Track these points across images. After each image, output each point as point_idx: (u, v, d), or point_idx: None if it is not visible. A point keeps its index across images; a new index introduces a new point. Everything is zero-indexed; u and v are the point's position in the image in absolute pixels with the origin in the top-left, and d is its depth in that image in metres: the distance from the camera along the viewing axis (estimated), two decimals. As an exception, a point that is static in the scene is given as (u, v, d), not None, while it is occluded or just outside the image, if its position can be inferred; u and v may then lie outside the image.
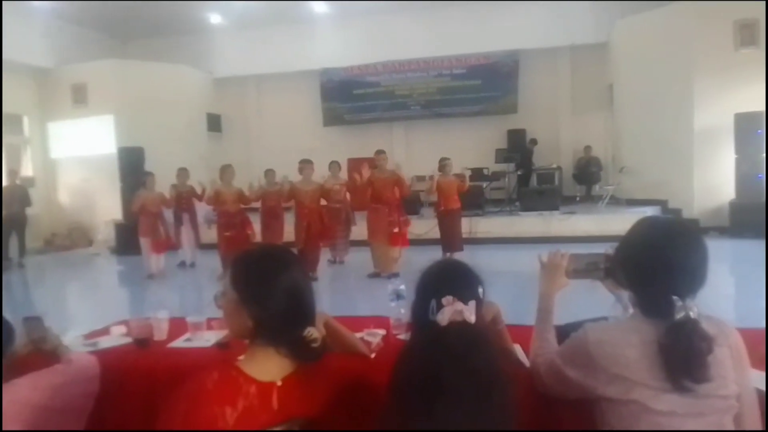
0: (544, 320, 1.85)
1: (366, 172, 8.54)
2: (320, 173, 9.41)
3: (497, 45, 15.27)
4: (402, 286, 2.42)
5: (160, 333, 2.48)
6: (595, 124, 15.21)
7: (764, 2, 10.28)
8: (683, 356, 1.39)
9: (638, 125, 12.91)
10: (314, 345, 1.51)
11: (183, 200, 10.30)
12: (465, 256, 8.26)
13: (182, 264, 10.63)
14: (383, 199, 8.49)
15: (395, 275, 7.96)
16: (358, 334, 2.16)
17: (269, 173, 9.70)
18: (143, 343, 2.39)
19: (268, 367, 1.45)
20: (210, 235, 9.90)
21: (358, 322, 2.35)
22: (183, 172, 10.47)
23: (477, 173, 13.76)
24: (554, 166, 14.84)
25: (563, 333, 1.79)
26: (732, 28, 11.30)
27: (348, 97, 16.74)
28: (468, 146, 15.26)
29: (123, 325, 2.60)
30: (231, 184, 8.89)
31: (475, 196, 11.86)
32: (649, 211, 10.64)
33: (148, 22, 15.78)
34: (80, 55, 14.87)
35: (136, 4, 14.06)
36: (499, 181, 14.38)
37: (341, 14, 15.71)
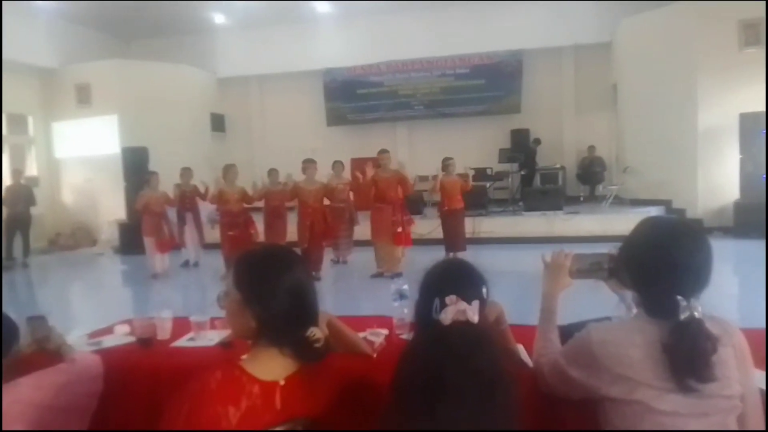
0: (547, 320, 1.85)
1: (369, 172, 8.54)
2: (323, 173, 9.42)
3: (500, 45, 15.25)
4: (405, 286, 2.42)
5: (164, 332, 2.48)
6: (599, 124, 15.19)
7: (766, 2, 10.25)
8: (688, 356, 1.39)
9: (642, 125, 12.88)
10: (317, 345, 1.51)
11: (186, 200, 10.32)
12: (468, 255, 8.26)
13: (186, 263, 10.64)
14: (387, 198, 8.48)
15: (398, 275, 7.96)
16: (361, 334, 2.16)
17: (272, 173, 9.73)
18: (147, 343, 2.40)
19: (271, 366, 1.45)
20: (213, 234, 9.90)
21: (361, 322, 2.36)
22: (186, 172, 10.49)
23: (480, 173, 13.75)
24: (558, 166, 14.80)
25: (566, 333, 1.79)
26: (736, 27, 11.26)
27: (351, 97, 16.73)
28: (471, 146, 15.24)
29: (126, 324, 2.61)
30: (234, 183, 8.90)
31: (478, 195, 11.85)
32: (653, 211, 10.64)
33: (151, 22, 15.80)
34: (84, 55, 14.90)
35: (139, 4, 14.08)
36: (503, 180, 14.35)
37: (344, 14, 15.71)
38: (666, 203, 12.08)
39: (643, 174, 12.72)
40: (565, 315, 1.89)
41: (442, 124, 16.23)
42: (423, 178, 13.26)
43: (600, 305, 1.93)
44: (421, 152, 15.63)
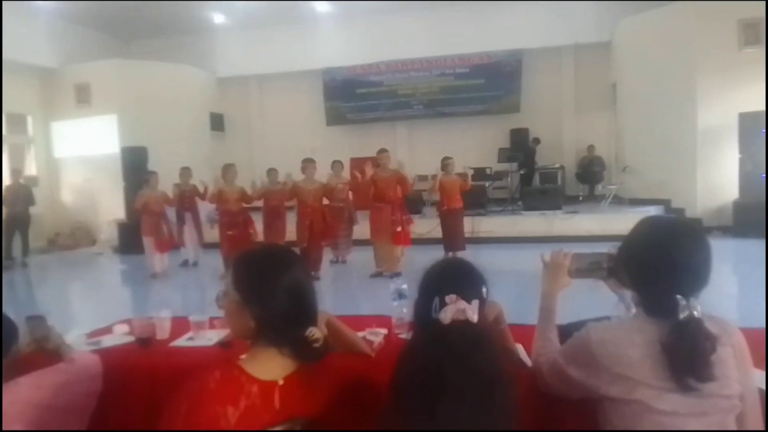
0: (546, 320, 1.85)
1: (369, 171, 8.54)
2: (323, 172, 9.42)
3: (500, 44, 15.25)
4: (404, 286, 2.42)
5: (163, 332, 2.49)
6: (598, 124, 15.20)
7: (766, 2, 10.25)
8: (687, 355, 1.39)
9: (641, 124, 12.89)
10: (316, 345, 1.51)
11: (186, 199, 10.32)
12: (467, 255, 8.26)
13: (185, 263, 10.64)
14: (386, 198, 8.48)
15: (397, 274, 7.97)
16: (360, 334, 2.16)
17: (272, 172, 9.72)
18: (146, 342, 2.40)
19: (270, 366, 1.45)
20: (213, 234, 9.90)
21: (360, 322, 2.35)
22: (186, 171, 10.48)
23: (480, 172, 13.75)
24: (557, 165, 14.82)
25: (566, 332, 1.79)
26: (735, 27, 11.27)
27: (351, 97, 16.74)
28: (471, 145, 15.24)
29: (126, 324, 2.61)
30: (233, 183, 8.90)
31: (477, 195, 11.86)
32: (652, 211, 10.63)
33: (151, 21, 15.79)
34: (84, 55, 14.90)
35: (139, 3, 14.08)
36: (502, 180, 14.36)
37: (344, 14, 15.71)
38: (665, 203, 12.09)
39: (643, 173, 12.73)
40: (565, 314, 1.89)
41: (441, 123, 16.23)
42: (422, 178, 13.26)
43: (599, 305, 1.93)
44: (420, 152, 15.64)
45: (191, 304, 8.35)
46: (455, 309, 1.45)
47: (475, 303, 1.48)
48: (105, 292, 9.74)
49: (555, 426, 1.75)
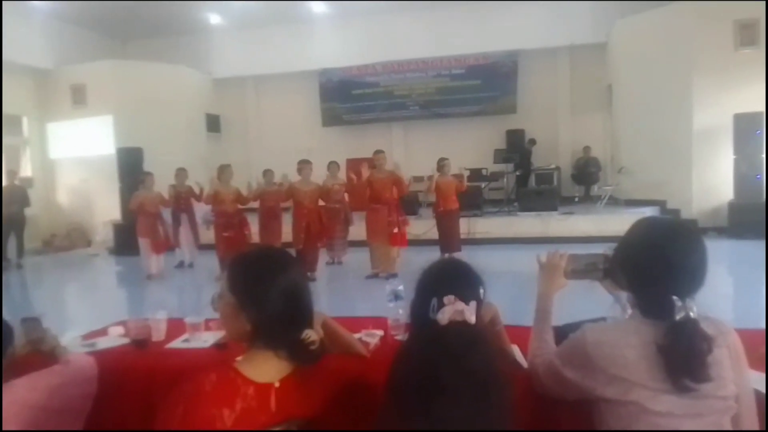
0: (542, 321, 1.85)
1: (365, 172, 8.54)
2: (319, 174, 9.41)
3: (496, 45, 15.27)
4: (400, 287, 2.42)
5: (159, 334, 2.48)
6: (594, 125, 15.22)
7: (764, 2, 10.29)
8: (684, 356, 1.39)
9: (637, 125, 12.91)
10: (312, 348, 1.51)
11: (181, 200, 10.28)
12: (463, 256, 8.19)
13: (180, 264, 10.62)
14: (382, 199, 8.48)
15: (394, 275, 7.97)
16: (357, 335, 2.15)
17: (268, 173, 9.71)
18: (141, 344, 2.39)
19: (266, 368, 1.45)
20: (208, 235, 9.88)
21: (357, 323, 2.35)
22: (181, 173, 10.45)
23: (475, 173, 13.77)
24: (553, 166, 14.84)
25: (562, 334, 1.80)
26: (732, 28, 11.29)
27: (347, 98, 16.73)
28: (467, 146, 15.26)
29: (121, 325, 2.60)
30: (229, 184, 8.89)
31: (473, 196, 11.87)
32: (648, 212, 10.65)
33: (147, 22, 15.77)
34: (79, 56, 14.87)
35: (135, 4, 14.06)
36: (498, 181, 14.36)
37: (340, 14, 15.71)
38: (661, 204, 12.11)
39: (638, 174, 12.74)
40: (560, 316, 1.90)
41: (437, 124, 16.24)
42: (418, 179, 13.21)
43: (595, 306, 1.93)
44: (416, 153, 15.64)
45: (187, 305, 8.33)
46: (453, 310, 1.45)
47: (473, 304, 1.48)
48: (100, 293, 9.72)
49: (551, 427, 1.75)
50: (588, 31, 14.53)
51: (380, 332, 2.32)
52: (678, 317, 1.42)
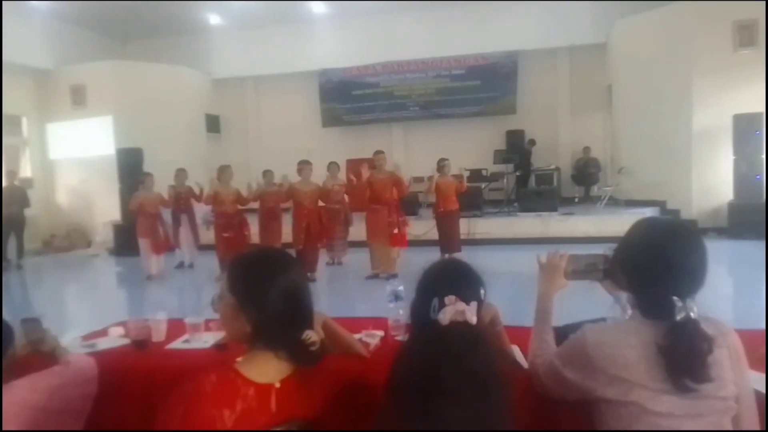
0: (542, 321, 1.85)
1: (365, 173, 8.54)
2: (319, 174, 9.41)
3: (496, 46, 15.28)
4: (400, 287, 2.42)
5: (159, 334, 2.48)
6: (594, 125, 15.23)
7: (764, 3, 10.29)
8: (684, 356, 1.39)
9: (637, 126, 12.91)
10: (313, 349, 1.51)
11: (181, 201, 10.28)
12: (463, 257, 8.13)
13: (180, 265, 10.62)
14: (382, 199, 8.48)
15: (394, 276, 7.97)
16: (357, 336, 2.15)
17: (267, 174, 9.70)
18: (141, 345, 2.39)
19: (266, 369, 1.44)
20: (208, 236, 9.88)
21: (357, 323, 2.35)
22: (181, 173, 10.43)
23: (475, 174, 13.78)
24: (553, 166, 14.84)
25: (562, 334, 1.79)
26: (731, 28, 11.30)
27: (347, 98, 16.73)
28: (466, 147, 15.26)
29: (121, 326, 2.60)
30: (229, 184, 8.89)
31: (473, 196, 11.87)
32: (648, 212, 10.65)
33: (147, 22, 15.78)
34: (79, 56, 14.87)
35: (134, 4, 14.07)
36: (498, 181, 14.37)
37: (340, 15, 15.72)
38: (661, 204, 12.12)
39: (638, 175, 12.75)
40: (561, 316, 1.90)
41: (437, 125, 16.24)
42: (418, 179, 13.22)
43: (595, 306, 1.93)
44: (416, 153, 15.64)
45: (187, 306, 8.34)
46: (454, 310, 1.45)
47: (474, 304, 1.48)
48: (100, 294, 9.72)
49: (551, 427, 1.75)
50: (588, 32, 14.54)
51: (380, 333, 2.32)
52: (678, 318, 1.42)
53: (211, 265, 9.28)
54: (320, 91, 16.91)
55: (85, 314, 7.92)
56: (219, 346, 2.31)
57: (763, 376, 1.69)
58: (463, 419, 1.33)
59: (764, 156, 10.63)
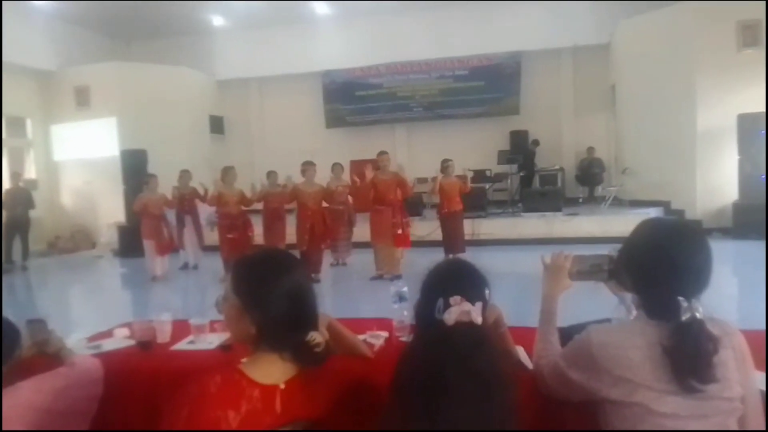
0: (547, 322, 1.84)
1: (369, 174, 8.54)
2: (323, 175, 9.41)
3: (499, 46, 15.27)
4: (404, 288, 2.42)
5: (163, 335, 2.49)
6: (598, 125, 15.21)
7: (766, 3, 10.27)
8: (690, 357, 1.39)
9: (641, 126, 12.89)
10: (317, 350, 1.51)
11: (185, 202, 10.29)
12: (467, 257, 8.19)
13: (185, 266, 10.64)
14: (386, 200, 8.48)
15: (398, 277, 7.97)
16: (361, 336, 2.16)
17: (271, 175, 9.72)
18: (146, 346, 2.39)
19: (271, 371, 1.44)
20: (212, 237, 9.90)
21: (361, 324, 2.35)
22: (185, 174, 10.45)
23: (479, 175, 13.77)
24: (557, 167, 14.82)
25: (567, 335, 1.79)
26: (734, 28, 11.28)
27: (350, 99, 16.76)
28: (470, 148, 15.26)
29: (126, 327, 2.61)
30: (233, 185, 8.90)
31: (477, 197, 11.86)
32: (652, 212, 10.65)
33: (150, 23, 15.82)
34: (83, 57, 14.92)
35: (138, 5, 14.10)
36: (502, 182, 14.37)
37: (343, 16, 15.74)
38: (665, 204, 12.09)
39: (642, 175, 12.73)
40: (565, 317, 1.89)
41: (440, 125, 16.24)
42: (422, 180, 13.25)
43: (600, 307, 1.93)
44: (420, 154, 15.65)
45: (192, 307, 8.35)
46: (459, 310, 1.45)
47: (479, 305, 1.48)
48: (105, 295, 9.73)
49: (556, 428, 1.75)
50: (591, 32, 14.52)
51: (385, 334, 2.32)
52: (683, 318, 1.41)
53: (215, 266, 9.29)
54: (324, 92, 16.93)
55: (90, 315, 7.93)
56: (224, 347, 2.32)
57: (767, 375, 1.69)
58: (468, 420, 1.32)
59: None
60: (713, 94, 11.36)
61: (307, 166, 8.76)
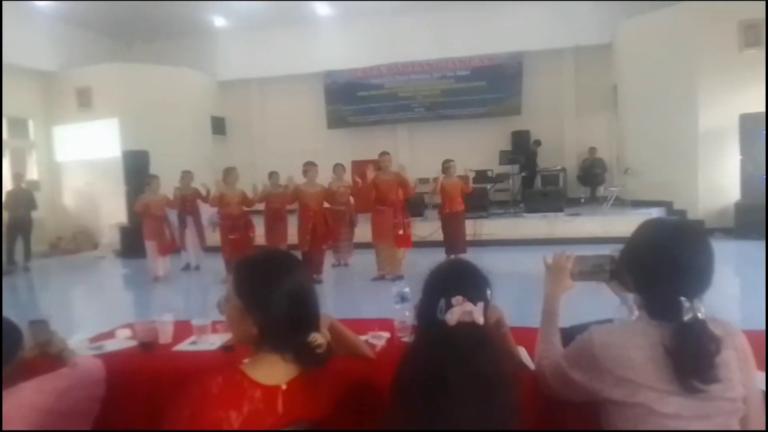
0: (549, 322, 1.84)
1: (370, 174, 8.54)
2: (324, 176, 9.41)
3: (501, 47, 15.27)
4: (406, 289, 2.42)
5: (165, 336, 2.48)
6: (600, 126, 15.21)
7: (767, 3, 10.25)
8: (692, 357, 1.39)
9: (643, 126, 12.88)
10: (319, 351, 1.51)
11: (187, 203, 10.30)
12: (469, 258, 8.16)
13: (187, 267, 10.64)
14: (388, 201, 8.47)
15: (400, 277, 7.97)
16: (363, 337, 2.15)
17: (273, 176, 9.73)
18: (148, 347, 2.39)
19: (272, 371, 1.44)
20: (214, 237, 9.90)
21: (363, 325, 2.35)
22: (187, 175, 10.47)
23: (481, 175, 13.76)
24: (558, 167, 14.82)
25: (568, 335, 1.79)
26: (736, 28, 11.27)
27: (352, 100, 16.76)
28: (472, 148, 15.25)
29: (128, 328, 2.61)
30: (235, 186, 8.90)
31: (479, 197, 11.87)
32: (654, 213, 10.64)
33: (152, 24, 15.83)
34: (85, 59, 14.94)
35: (140, 6, 14.11)
36: (504, 182, 14.37)
37: (345, 16, 15.75)
38: (667, 204, 12.07)
39: (644, 175, 12.72)
40: (567, 317, 1.89)
41: (442, 126, 16.24)
42: (423, 181, 13.26)
43: (602, 307, 1.92)
44: (421, 154, 15.64)
45: (193, 307, 8.36)
46: (461, 311, 1.45)
47: (481, 305, 1.48)
48: (107, 296, 9.73)
49: (558, 429, 1.75)
50: (593, 32, 14.51)
51: (387, 334, 2.31)
52: (686, 318, 1.41)
53: (217, 266, 9.28)
54: (325, 92, 16.94)
55: (92, 316, 7.93)
56: (226, 348, 2.32)
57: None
58: (470, 420, 1.32)
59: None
60: (715, 94, 11.35)
61: (309, 167, 8.76)
